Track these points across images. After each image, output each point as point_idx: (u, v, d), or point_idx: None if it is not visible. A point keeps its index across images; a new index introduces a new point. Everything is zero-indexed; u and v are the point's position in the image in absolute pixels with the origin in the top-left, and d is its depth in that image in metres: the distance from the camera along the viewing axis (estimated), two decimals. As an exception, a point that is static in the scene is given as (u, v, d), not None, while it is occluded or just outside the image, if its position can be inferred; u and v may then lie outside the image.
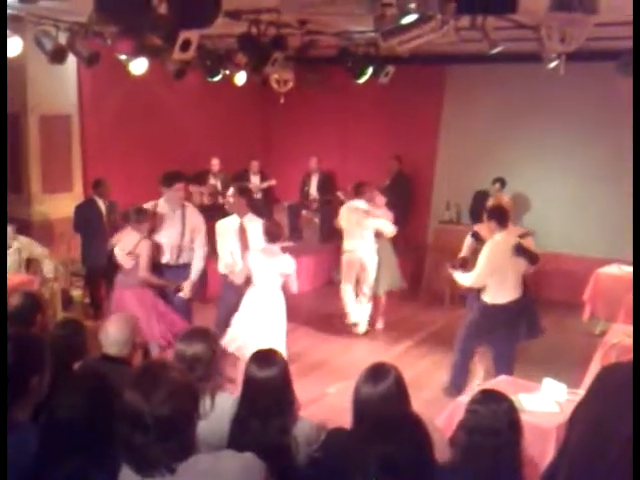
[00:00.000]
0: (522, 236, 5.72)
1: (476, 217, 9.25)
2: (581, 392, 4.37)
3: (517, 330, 5.56)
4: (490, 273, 5.46)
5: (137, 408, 1.91)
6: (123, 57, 6.47)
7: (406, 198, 9.68)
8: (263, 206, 9.56)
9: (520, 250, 5.46)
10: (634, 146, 4.56)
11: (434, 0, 5.20)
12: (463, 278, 5.71)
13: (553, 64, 6.92)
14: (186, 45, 5.82)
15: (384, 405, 2.55)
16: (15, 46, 6.29)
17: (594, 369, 5.04)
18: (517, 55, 7.41)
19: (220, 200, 9.53)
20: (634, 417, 1.18)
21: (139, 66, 6.85)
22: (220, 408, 2.83)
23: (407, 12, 5.04)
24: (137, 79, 7.24)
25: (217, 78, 7.81)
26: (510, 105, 9.44)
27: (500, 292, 5.49)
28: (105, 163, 8.34)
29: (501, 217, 5.66)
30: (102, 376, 2.39)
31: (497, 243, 5.52)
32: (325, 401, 5.61)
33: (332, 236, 8.98)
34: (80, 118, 8.29)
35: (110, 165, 8.32)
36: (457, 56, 8.76)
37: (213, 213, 9.01)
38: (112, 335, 3.31)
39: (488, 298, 5.55)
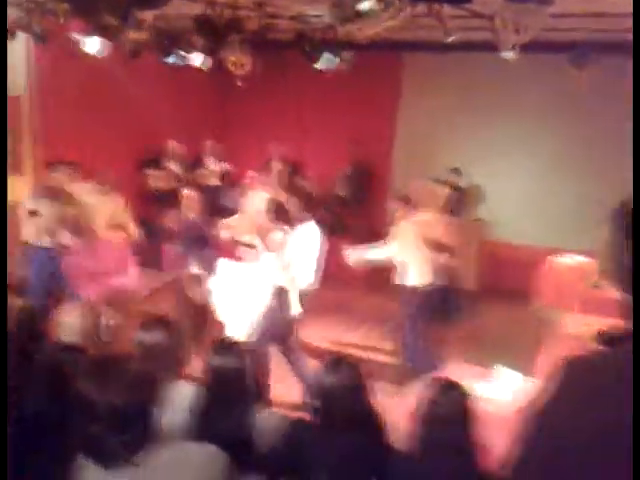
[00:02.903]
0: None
1: None
2: (534, 380, 4.51)
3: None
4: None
5: (91, 398, 1.88)
6: (77, 36, 6.28)
7: (365, 186, 9.71)
8: (223, 192, 9.46)
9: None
10: (634, 142, 4.66)
11: (393, -12, 5.24)
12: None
13: (508, 54, 7.01)
14: (141, 25, 5.71)
15: (345, 396, 2.55)
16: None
17: (546, 356, 5.17)
18: (474, 44, 7.47)
19: (177, 184, 9.38)
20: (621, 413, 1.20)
21: (93, 45, 6.65)
22: (180, 397, 2.79)
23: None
24: (91, 59, 7.03)
25: (172, 59, 7.65)
26: (467, 95, 9.53)
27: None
28: (57, 147, 8.10)
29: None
30: (59, 367, 2.34)
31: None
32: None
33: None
34: (30, 100, 8.02)
35: (63, 149, 8.08)
36: (415, 43, 8.78)
37: (169, 197, 8.92)
38: (71, 323, 3.24)
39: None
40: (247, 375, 2.74)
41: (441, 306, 5.86)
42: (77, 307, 3.45)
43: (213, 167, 9.83)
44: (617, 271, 1.36)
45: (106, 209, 6.56)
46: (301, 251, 5.40)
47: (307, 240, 5.50)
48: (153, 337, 2.90)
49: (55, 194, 6.23)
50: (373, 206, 9.86)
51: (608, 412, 1.21)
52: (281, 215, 5.40)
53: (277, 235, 5.27)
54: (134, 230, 6.82)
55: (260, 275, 5.33)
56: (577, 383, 1.31)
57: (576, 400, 1.28)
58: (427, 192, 6.32)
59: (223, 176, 9.98)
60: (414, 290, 5.77)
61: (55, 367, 2.31)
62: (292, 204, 5.68)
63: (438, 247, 5.84)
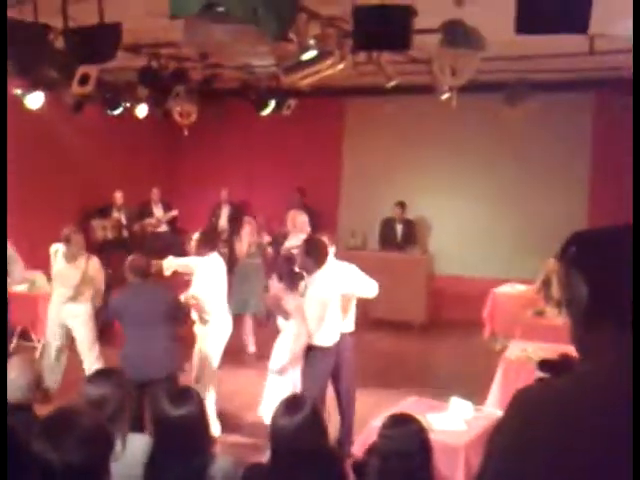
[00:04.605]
0: None
1: (385, 243, 9.55)
2: (487, 409, 4.60)
3: None
4: None
5: (45, 458, 1.85)
6: (18, 92, 6.28)
7: (312, 229, 9.81)
8: (171, 238, 9.44)
9: None
10: (634, 150, 4.84)
11: (332, 37, 5.45)
12: None
13: (445, 96, 7.31)
14: (85, 79, 5.73)
15: (301, 437, 2.56)
16: None
17: (497, 385, 5.28)
18: (412, 87, 7.75)
19: (124, 234, 9.33)
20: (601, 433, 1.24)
21: (35, 101, 6.66)
22: (132, 450, 2.76)
23: (307, 48, 5.21)
24: (34, 113, 7.03)
25: (117, 111, 7.71)
26: (408, 134, 9.85)
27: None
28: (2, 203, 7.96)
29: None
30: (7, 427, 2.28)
31: None
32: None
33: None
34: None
35: (9, 206, 7.95)
36: (356, 89, 9.06)
37: (116, 247, 8.86)
38: (14, 380, 3.16)
39: None
40: (202, 422, 2.73)
41: None
42: (21, 361, 3.37)
43: (160, 215, 9.85)
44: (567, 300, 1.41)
45: (75, 276, 6.04)
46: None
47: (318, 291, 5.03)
48: (99, 390, 2.87)
49: None
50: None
51: (561, 439, 1.22)
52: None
53: (290, 302, 4.90)
54: (101, 294, 6.27)
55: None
56: (524, 414, 1.34)
57: (524, 431, 1.31)
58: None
59: (171, 223, 10.00)
60: None
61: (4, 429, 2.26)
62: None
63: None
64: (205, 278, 5.54)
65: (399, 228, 9.62)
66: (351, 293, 5.22)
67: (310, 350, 4.93)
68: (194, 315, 5.56)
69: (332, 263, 5.14)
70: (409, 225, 9.64)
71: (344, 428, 5.18)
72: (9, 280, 5.79)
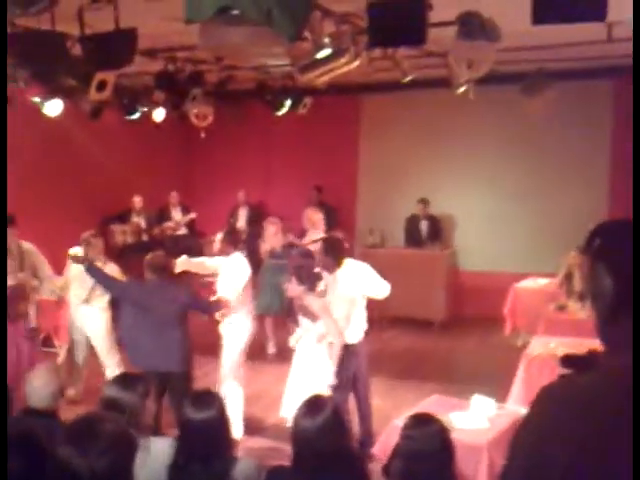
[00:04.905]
0: None
1: (411, 241, 9.50)
2: (510, 406, 4.57)
3: None
4: None
5: (73, 464, 1.87)
6: (37, 99, 6.35)
7: (330, 226, 9.81)
8: (190, 241, 9.49)
9: None
10: (634, 148, 4.80)
11: (347, 34, 5.43)
12: None
13: (462, 89, 7.25)
14: (102, 85, 5.78)
15: (323, 438, 2.57)
16: None
17: (519, 381, 5.23)
18: (428, 81, 7.71)
19: (144, 238, 9.40)
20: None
21: (54, 108, 6.72)
22: (155, 454, 2.79)
23: (322, 47, 5.21)
24: (53, 120, 7.09)
25: (135, 116, 7.76)
26: (425, 129, 9.78)
27: None
28: (22, 209, 8.05)
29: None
30: (31, 434, 2.31)
31: None
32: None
33: (259, 268, 8.98)
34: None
35: (28, 211, 8.04)
36: (372, 85, 9.03)
37: (136, 251, 8.93)
38: (39, 389, 3.20)
39: None
40: (224, 425, 2.75)
41: None
42: (47, 368, 3.41)
43: (179, 218, 9.91)
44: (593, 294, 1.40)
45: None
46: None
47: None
48: (123, 394, 2.91)
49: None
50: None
51: (586, 435, 1.21)
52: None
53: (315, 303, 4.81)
54: None
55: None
56: (548, 412, 1.33)
57: (547, 429, 1.30)
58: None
59: (189, 225, 10.06)
60: None
61: (31, 436, 2.28)
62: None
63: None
64: (230, 277, 5.55)
65: (424, 225, 9.51)
66: (363, 294, 5.17)
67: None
68: (219, 315, 5.59)
69: (348, 262, 5.14)
70: (434, 221, 9.54)
71: (364, 428, 5.17)
72: (40, 288, 5.85)
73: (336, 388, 4.67)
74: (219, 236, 5.93)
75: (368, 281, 5.13)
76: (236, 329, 5.54)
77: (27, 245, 6.11)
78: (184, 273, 6.07)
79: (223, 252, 5.69)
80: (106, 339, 6.17)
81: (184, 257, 6.02)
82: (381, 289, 5.15)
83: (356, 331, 5.03)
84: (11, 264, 5.70)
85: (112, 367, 6.06)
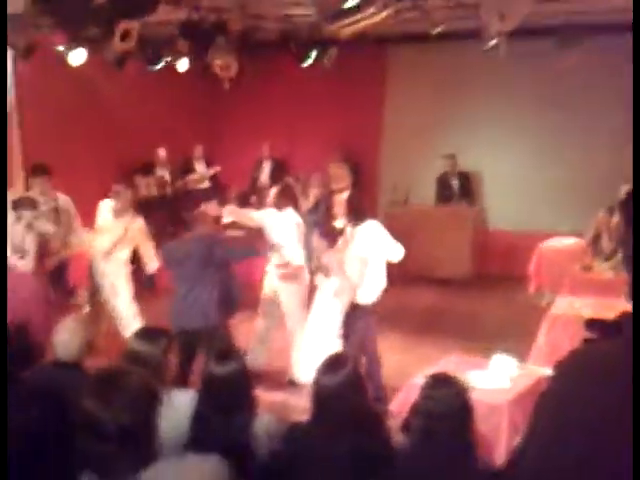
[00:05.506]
0: None
1: (442, 199, 9.34)
2: (531, 366, 4.55)
3: None
4: None
5: (97, 417, 1.90)
6: (61, 48, 6.30)
7: (355, 180, 9.71)
8: (213, 195, 9.47)
9: None
10: (634, 143, 4.68)
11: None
12: None
13: (493, 42, 7.04)
14: (126, 35, 5.71)
15: (343, 395, 2.58)
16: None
17: (542, 341, 5.21)
18: (458, 33, 7.49)
19: (168, 191, 9.41)
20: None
21: (78, 57, 6.67)
22: (177, 405, 2.82)
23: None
24: (77, 70, 7.04)
25: (159, 66, 7.68)
26: (453, 83, 9.54)
27: None
28: (47, 159, 8.10)
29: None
30: (54, 385, 2.34)
31: None
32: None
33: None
34: (19, 114, 8.00)
35: (53, 161, 8.09)
36: (399, 36, 8.80)
37: (159, 205, 8.96)
38: (65, 340, 3.25)
39: None
40: (245, 380, 2.78)
41: None
42: (73, 319, 3.45)
43: (203, 171, 9.86)
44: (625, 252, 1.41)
45: (118, 230, 6.12)
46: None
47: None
48: (145, 347, 2.93)
49: (33, 206, 5.81)
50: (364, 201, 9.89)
51: (609, 402, 1.24)
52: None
53: (330, 257, 4.96)
54: (151, 256, 6.22)
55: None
56: (573, 375, 1.34)
57: (571, 391, 1.31)
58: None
59: (212, 179, 10.02)
60: None
61: (55, 387, 2.32)
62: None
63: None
64: (287, 235, 5.53)
65: (454, 182, 9.34)
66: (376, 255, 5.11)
67: (351, 309, 4.96)
68: (275, 270, 5.55)
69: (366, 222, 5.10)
70: (464, 178, 9.36)
71: (373, 385, 5.17)
72: (75, 241, 5.94)
73: (346, 346, 4.73)
74: (273, 190, 5.87)
75: (382, 243, 5.07)
76: (297, 283, 5.56)
77: (63, 199, 6.18)
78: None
79: (277, 206, 5.63)
80: (126, 288, 6.22)
81: (232, 207, 5.98)
82: (394, 252, 5.09)
83: (370, 291, 5.02)
84: (45, 214, 5.80)
85: (129, 318, 6.12)
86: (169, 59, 7.80)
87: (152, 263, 6.21)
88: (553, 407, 1.34)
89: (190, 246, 4.97)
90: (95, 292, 6.35)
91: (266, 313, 5.78)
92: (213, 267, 4.93)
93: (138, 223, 6.20)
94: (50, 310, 5.26)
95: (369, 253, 4.97)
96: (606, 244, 6.52)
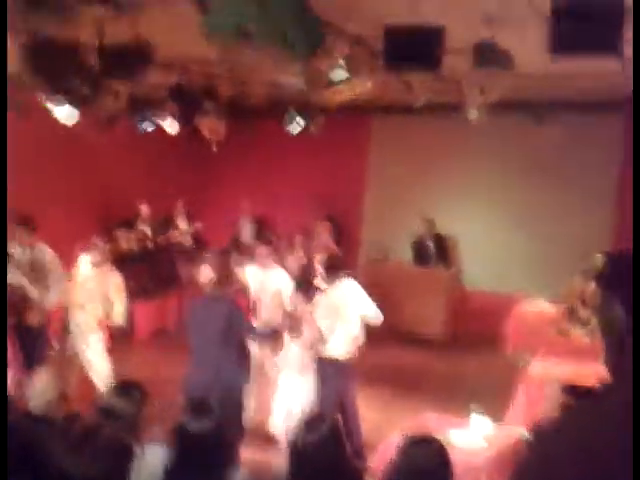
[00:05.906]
0: None
1: (420, 261, 9.48)
2: (507, 426, 4.55)
3: None
4: None
5: (69, 470, 1.88)
6: (49, 105, 6.40)
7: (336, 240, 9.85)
8: (194, 251, 9.50)
9: None
10: (634, 160, 4.84)
11: (361, 56, 5.49)
12: None
13: (473, 114, 7.31)
14: (117, 95, 5.85)
15: (321, 452, 2.57)
16: None
17: (519, 402, 5.22)
18: (440, 105, 7.76)
19: (149, 245, 9.43)
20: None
21: (70, 116, 6.73)
22: (151, 460, 2.76)
23: (336, 68, 5.27)
24: (65, 127, 7.14)
25: (150, 128, 7.83)
26: (432, 152, 9.86)
27: None
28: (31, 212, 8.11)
29: None
30: (29, 439, 2.29)
31: None
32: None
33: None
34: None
35: (36, 215, 8.09)
36: (383, 106, 9.10)
37: (139, 259, 8.96)
38: (41, 394, 3.19)
39: None
40: (220, 436, 2.74)
41: None
42: (49, 372, 3.40)
43: (184, 227, 9.93)
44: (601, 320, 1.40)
45: (92, 283, 6.12)
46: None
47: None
48: (119, 402, 2.88)
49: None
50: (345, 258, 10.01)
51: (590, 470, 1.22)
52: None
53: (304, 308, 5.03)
54: (121, 312, 6.18)
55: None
56: (550, 447, 1.33)
57: (557, 460, 1.30)
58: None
59: (194, 235, 10.07)
60: None
61: (26, 440, 2.27)
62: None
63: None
64: (269, 291, 5.59)
65: (430, 245, 9.51)
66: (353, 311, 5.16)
67: (327, 364, 4.98)
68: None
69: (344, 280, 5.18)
70: (441, 240, 9.53)
71: (352, 443, 5.12)
72: (47, 298, 5.86)
73: (320, 402, 4.73)
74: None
75: (357, 300, 5.12)
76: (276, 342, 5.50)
77: (42, 250, 6.07)
78: None
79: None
80: (98, 341, 6.15)
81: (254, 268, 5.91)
82: (372, 315, 5.12)
83: (341, 345, 5.05)
84: (21, 266, 5.74)
85: (100, 373, 6.05)
86: (158, 120, 7.95)
87: (120, 319, 6.19)
88: (534, 476, 1.32)
89: (213, 310, 4.75)
90: (67, 343, 6.28)
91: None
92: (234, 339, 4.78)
93: (115, 278, 6.21)
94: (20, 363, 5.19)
95: (342, 308, 5.05)
96: (582, 311, 6.61)
